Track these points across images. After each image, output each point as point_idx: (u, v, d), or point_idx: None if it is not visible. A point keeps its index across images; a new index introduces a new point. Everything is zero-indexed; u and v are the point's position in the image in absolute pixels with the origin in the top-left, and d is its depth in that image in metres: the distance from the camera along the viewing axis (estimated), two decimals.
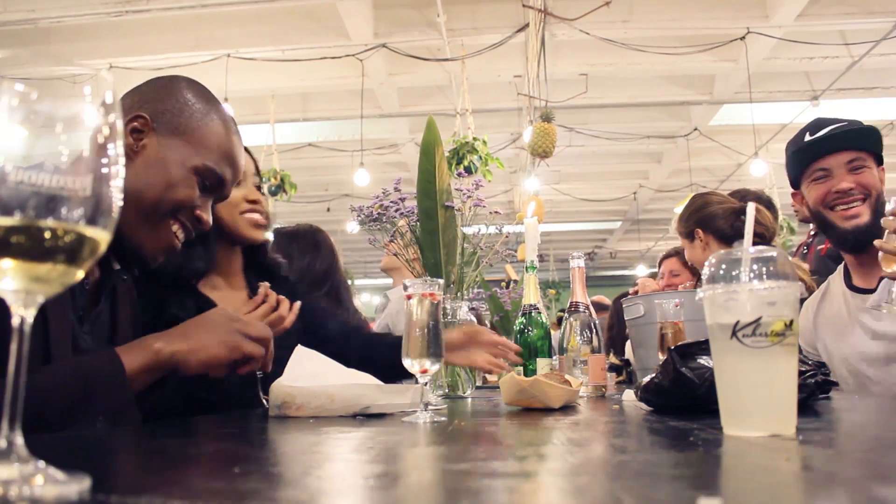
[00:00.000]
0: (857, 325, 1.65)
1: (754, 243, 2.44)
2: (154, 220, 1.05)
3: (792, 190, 1.86)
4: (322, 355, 1.16)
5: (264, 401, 1.38)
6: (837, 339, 1.70)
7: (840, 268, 1.80)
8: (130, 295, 1.25)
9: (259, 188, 1.58)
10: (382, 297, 3.09)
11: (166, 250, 1.09)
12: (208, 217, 1.12)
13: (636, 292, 2.68)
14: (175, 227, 1.08)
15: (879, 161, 1.71)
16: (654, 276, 3.57)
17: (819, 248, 2.90)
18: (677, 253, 3.29)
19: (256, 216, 1.53)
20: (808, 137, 1.75)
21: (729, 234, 2.18)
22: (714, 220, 2.20)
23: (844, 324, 1.69)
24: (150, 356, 0.97)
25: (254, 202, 1.53)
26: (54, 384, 0.88)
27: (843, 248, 1.72)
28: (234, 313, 1.11)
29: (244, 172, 1.49)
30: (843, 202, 1.66)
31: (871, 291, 1.64)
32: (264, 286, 1.40)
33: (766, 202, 2.41)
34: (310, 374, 1.08)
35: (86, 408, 0.89)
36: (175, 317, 1.31)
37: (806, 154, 1.74)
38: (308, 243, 2.43)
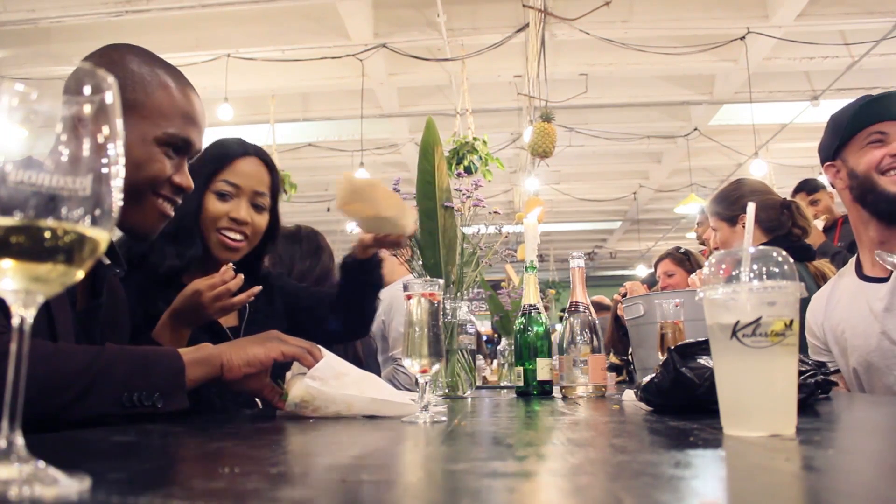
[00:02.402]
0: (871, 316, 1.64)
1: (796, 238, 2.39)
2: (135, 201, 1.07)
3: (825, 163, 1.80)
4: (339, 358, 1.16)
5: (259, 403, 1.39)
6: (849, 331, 1.70)
7: (851, 261, 1.79)
8: (119, 291, 1.26)
9: (261, 208, 1.49)
10: None
11: (160, 222, 1.13)
12: (188, 181, 1.14)
13: (624, 294, 2.70)
14: (160, 201, 1.11)
15: None
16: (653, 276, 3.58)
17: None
18: (669, 255, 3.33)
19: (230, 237, 1.45)
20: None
21: (766, 227, 2.25)
22: (762, 209, 2.25)
23: (856, 315, 1.68)
24: (202, 351, 1.06)
25: (235, 221, 1.44)
26: (113, 355, 0.95)
27: (880, 215, 1.67)
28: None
29: (241, 188, 1.46)
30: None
31: (884, 280, 1.62)
32: (228, 266, 1.33)
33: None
34: (332, 376, 1.08)
35: (142, 383, 0.95)
36: (162, 311, 1.31)
37: (865, 114, 1.69)
38: (311, 247, 2.43)
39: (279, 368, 1.20)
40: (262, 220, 1.50)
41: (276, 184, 1.54)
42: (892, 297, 1.59)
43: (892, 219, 1.64)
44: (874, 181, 1.64)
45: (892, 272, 1.59)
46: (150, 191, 1.09)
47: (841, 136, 1.72)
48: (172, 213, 1.14)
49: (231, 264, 1.33)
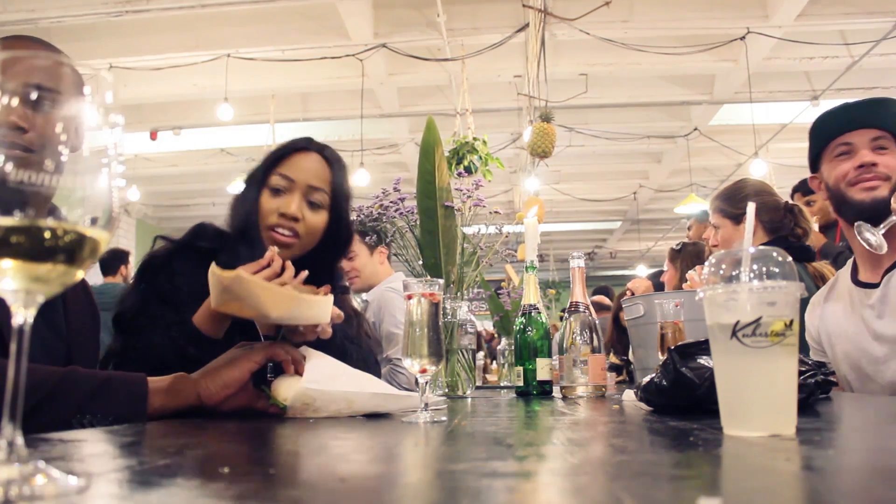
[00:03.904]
0: (863, 324, 1.64)
1: (797, 239, 2.39)
2: None
3: (810, 175, 1.82)
4: (332, 358, 1.16)
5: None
6: (840, 335, 1.70)
7: (849, 262, 1.79)
8: (83, 285, 1.25)
9: (317, 206, 1.39)
10: (361, 301, 3.07)
11: None
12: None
13: (632, 292, 2.72)
14: None
15: None
16: (659, 274, 3.59)
17: (840, 245, 2.90)
18: (670, 248, 3.36)
19: (280, 234, 1.36)
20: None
21: (769, 228, 2.29)
22: (764, 210, 2.28)
23: (850, 321, 1.69)
24: (175, 379, 1.05)
25: (284, 216, 1.36)
26: (75, 377, 0.95)
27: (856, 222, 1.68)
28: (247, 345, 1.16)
29: (295, 182, 1.38)
30: (866, 178, 1.62)
31: (875, 286, 1.63)
32: (272, 250, 1.26)
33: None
34: (327, 376, 1.08)
35: (98, 406, 0.95)
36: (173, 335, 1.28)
37: (831, 126, 1.71)
38: None
39: (262, 374, 1.20)
40: (318, 218, 1.40)
41: (340, 182, 1.44)
42: (882, 303, 1.59)
43: (871, 222, 1.64)
44: (844, 193, 1.66)
45: (883, 277, 1.60)
46: None
47: (813, 149, 1.76)
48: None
49: (275, 248, 1.25)
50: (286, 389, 1.07)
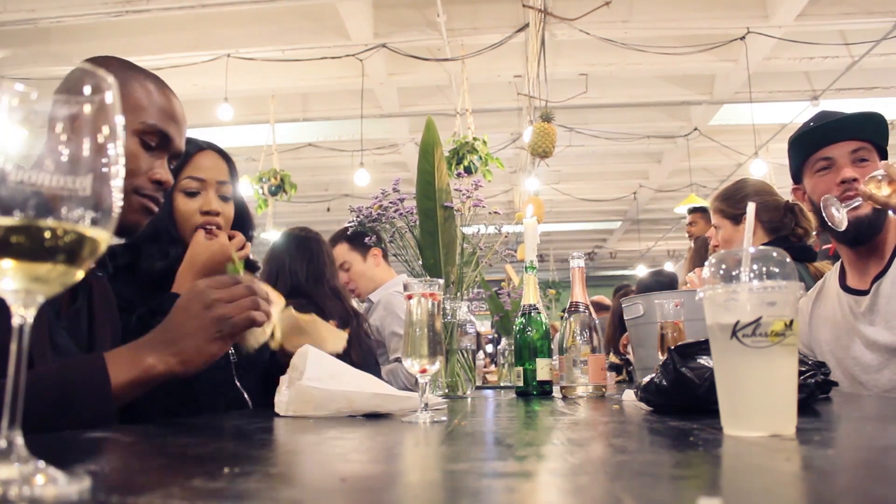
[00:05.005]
0: (854, 331, 1.63)
1: (798, 238, 2.38)
2: None
3: (793, 185, 1.82)
4: (332, 357, 1.17)
5: (244, 393, 1.41)
6: (832, 343, 1.69)
7: (836, 265, 1.79)
8: (107, 293, 1.25)
9: (227, 198, 1.50)
10: (366, 301, 3.06)
11: (142, 218, 1.13)
12: (167, 175, 1.15)
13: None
14: (139, 199, 1.11)
15: (883, 155, 1.67)
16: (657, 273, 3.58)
17: (825, 247, 2.89)
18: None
19: (206, 230, 1.46)
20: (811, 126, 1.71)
21: (769, 228, 2.28)
22: (765, 209, 2.27)
23: (840, 328, 1.68)
24: (141, 372, 0.95)
25: (208, 213, 1.46)
26: (36, 389, 0.86)
27: (843, 241, 1.68)
28: (205, 294, 1.02)
29: (206, 181, 1.47)
30: (849, 196, 1.59)
31: (865, 293, 1.62)
32: (199, 232, 1.43)
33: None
34: (328, 375, 1.09)
35: (65, 415, 0.88)
36: (150, 313, 1.32)
37: (809, 142, 1.69)
38: (303, 252, 2.42)
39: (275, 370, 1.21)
40: (230, 209, 1.53)
41: (235, 174, 1.57)
42: (872, 311, 1.59)
43: (854, 242, 1.64)
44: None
45: (872, 285, 1.59)
46: (130, 188, 1.07)
47: (794, 163, 1.76)
48: (156, 208, 1.14)
49: (211, 228, 1.45)
50: (287, 389, 1.08)
